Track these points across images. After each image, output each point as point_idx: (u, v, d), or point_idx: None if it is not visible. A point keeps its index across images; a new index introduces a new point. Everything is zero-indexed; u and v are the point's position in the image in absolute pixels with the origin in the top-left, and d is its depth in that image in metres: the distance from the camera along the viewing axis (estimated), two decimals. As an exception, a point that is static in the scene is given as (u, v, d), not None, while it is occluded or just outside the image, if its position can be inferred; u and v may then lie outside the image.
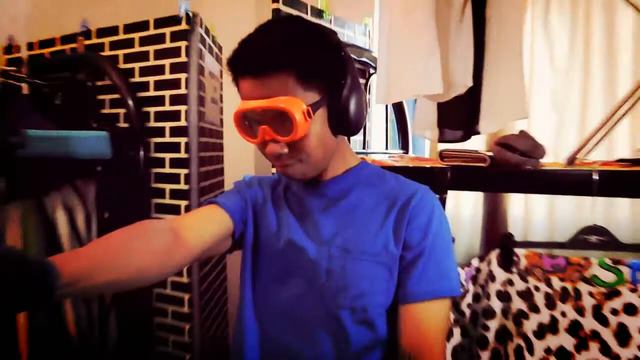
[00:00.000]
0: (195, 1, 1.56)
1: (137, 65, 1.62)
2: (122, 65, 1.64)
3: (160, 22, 1.57)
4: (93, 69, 1.61)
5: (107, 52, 1.66)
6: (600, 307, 1.13)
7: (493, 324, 1.20)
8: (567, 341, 1.14)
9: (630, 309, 1.11)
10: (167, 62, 1.57)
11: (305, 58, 0.77)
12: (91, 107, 1.57)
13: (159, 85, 1.59)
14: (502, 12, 1.34)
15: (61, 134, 1.31)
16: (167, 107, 1.58)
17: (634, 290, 1.12)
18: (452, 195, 1.61)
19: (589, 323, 1.13)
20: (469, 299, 1.24)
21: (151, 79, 1.60)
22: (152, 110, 1.61)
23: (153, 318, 1.67)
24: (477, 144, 1.60)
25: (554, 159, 1.44)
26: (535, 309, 1.17)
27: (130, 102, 1.56)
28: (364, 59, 1.68)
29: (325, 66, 0.80)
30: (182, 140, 1.56)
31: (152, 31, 1.59)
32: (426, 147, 1.88)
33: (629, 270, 1.14)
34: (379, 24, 1.43)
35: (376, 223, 0.87)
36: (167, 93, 1.58)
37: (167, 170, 1.60)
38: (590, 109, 1.54)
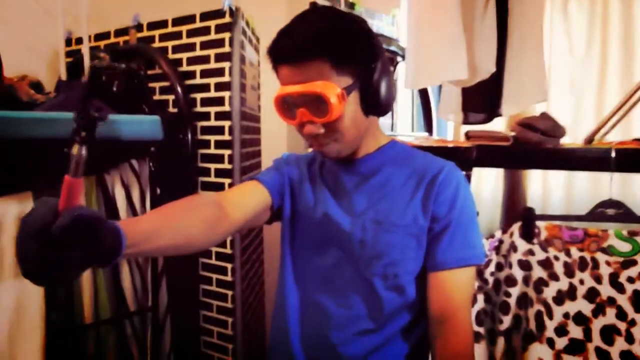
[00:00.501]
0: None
1: (184, 56, 1.65)
2: (171, 56, 1.67)
3: (206, 16, 1.60)
4: (145, 59, 1.65)
5: (157, 44, 1.70)
6: (617, 276, 1.13)
7: (514, 291, 1.22)
8: (585, 307, 1.15)
9: (645, 277, 1.11)
10: (212, 52, 1.59)
11: (338, 45, 0.79)
12: (144, 94, 1.61)
13: (205, 74, 1.62)
14: (524, 1, 1.33)
15: (120, 118, 1.35)
16: (212, 94, 1.61)
17: (649, 260, 1.12)
18: (474, 174, 1.62)
19: (605, 290, 1.14)
20: (492, 267, 1.26)
21: (197, 68, 1.63)
22: (198, 96, 1.64)
23: (199, 285, 1.72)
24: (497, 125, 1.60)
25: (571, 140, 1.44)
26: (554, 277, 1.18)
27: (179, 89, 1.59)
28: (392, 48, 1.68)
29: (357, 52, 0.82)
30: (226, 123, 1.59)
31: (198, 24, 1.62)
32: (449, 130, 1.89)
33: (645, 241, 1.14)
34: (407, 14, 1.44)
35: (406, 197, 0.89)
36: (212, 81, 1.61)
37: (212, 151, 1.63)
38: (608, 93, 1.53)
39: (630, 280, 1.12)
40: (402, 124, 1.89)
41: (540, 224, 1.22)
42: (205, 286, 1.71)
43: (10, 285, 1.11)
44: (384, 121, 1.55)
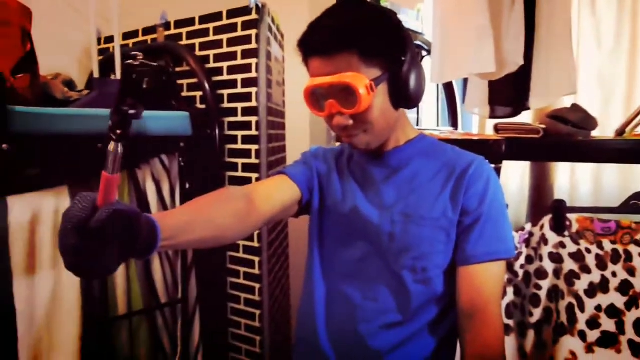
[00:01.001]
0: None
1: (211, 53, 1.67)
2: (198, 53, 1.69)
3: (233, 13, 1.61)
4: (173, 56, 1.66)
5: (184, 42, 1.71)
6: (651, 268, 1.12)
7: (545, 284, 1.21)
8: (618, 299, 1.13)
9: (680, 270, 1.09)
10: (239, 49, 1.60)
11: (367, 38, 0.79)
12: (172, 90, 1.62)
13: (232, 70, 1.63)
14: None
15: (151, 114, 1.37)
16: (239, 90, 1.62)
17: (684, 252, 1.10)
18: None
19: (639, 282, 1.12)
20: (522, 260, 1.25)
21: (225, 65, 1.64)
22: (225, 92, 1.65)
23: (227, 278, 1.74)
24: (523, 119, 1.58)
25: (600, 133, 1.42)
26: (586, 269, 1.16)
27: (207, 86, 1.61)
28: (417, 42, 1.67)
29: (385, 45, 0.82)
30: (253, 119, 1.60)
31: (225, 21, 1.63)
32: (474, 124, 1.87)
33: (679, 233, 1.12)
34: (433, 7, 1.43)
35: (435, 190, 0.88)
36: (239, 77, 1.62)
37: (239, 146, 1.65)
38: (637, 86, 1.50)
39: (665, 272, 1.10)
40: (427, 118, 1.88)
41: (572, 216, 1.20)
42: (233, 279, 1.73)
43: (48, 276, 1.14)
44: (409, 115, 1.56)
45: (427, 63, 1.63)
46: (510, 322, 1.24)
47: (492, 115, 1.49)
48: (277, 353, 1.81)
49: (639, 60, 1.51)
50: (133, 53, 1.42)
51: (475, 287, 0.84)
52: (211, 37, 1.66)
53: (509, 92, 1.43)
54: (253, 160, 1.62)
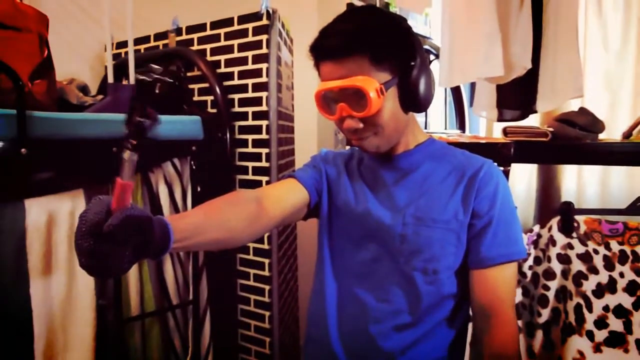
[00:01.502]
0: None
1: (223, 58, 1.69)
2: (209, 58, 1.71)
3: (244, 19, 1.63)
4: (185, 61, 1.69)
5: (196, 47, 1.74)
6: (659, 268, 1.13)
7: (553, 284, 1.22)
8: (625, 300, 1.14)
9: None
10: (249, 54, 1.63)
11: (377, 42, 0.81)
12: (184, 95, 1.65)
13: (243, 75, 1.66)
14: (559, -2, 1.33)
15: (164, 119, 1.38)
16: (250, 94, 1.64)
17: (691, 253, 1.11)
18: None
19: (647, 283, 1.13)
20: (530, 261, 1.26)
21: (235, 69, 1.67)
22: (236, 97, 1.68)
23: (237, 280, 1.76)
24: (531, 122, 1.60)
25: (606, 136, 1.43)
26: (594, 270, 1.17)
27: (218, 90, 1.63)
28: (425, 47, 1.69)
29: (395, 49, 0.83)
30: (264, 123, 1.62)
31: (236, 27, 1.65)
32: (481, 127, 1.89)
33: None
34: (442, 12, 1.45)
35: (446, 193, 0.89)
36: (249, 82, 1.64)
37: (250, 149, 1.67)
38: (644, 88, 1.51)
39: (672, 273, 1.11)
40: (435, 121, 1.90)
41: (579, 217, 1.21)
42: (243, 281, 1.75)
43: (63, 277, 1.16)
44: (417, 119, 1.58)
45: (435, 67, 1.65)
46: (519, 323, 1.25)
47: (500, 119, 1.50)
48: (286, 354, 1.83)
49: (646, 61, 1.52)
50: (149, 70, 1.44)
51: (491, 288, 0.85)
52: (222, 43, 1.68)
53: (517, 95, 1.45)
54: (263, 164, 1.64)
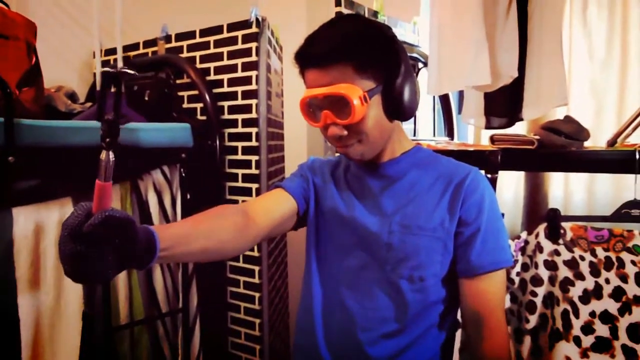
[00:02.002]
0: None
1: (212, 65, 1.70)
2: (199, 65, 1.72)
3: (233, 26, 1.64)
4: (174, 68, 1.69)
5: (185, 54, 1.74)
6: (643, 274, 1.14)
7: (540, 291, 1.23)
8: (611, 306, 1.15)
9: (671, 276, 1.12)
10: (239, 62, 1.64)
11: (361, 50, 0.82)
12: (173, 102, 1.65)
13: (232, 82, 1.67)
14: (544, 8, 1.35)
15: (152, 126, 1.39)
16: (240, 102, 1.65)
17: (674, 259, 1.13)
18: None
19: (631, 289, 1.14)
20: (517, 268, 1.27)
21: (225, 77, 1.67)
22: (226, 104, 1.68)
23: (227, 287, 1.75)
24: (517, 130, 1.62)
25: (592, 143, 1.45)
26: (580, 276, 1.19)
27: (207, 98, 1.64)
28: (413, 55, 1.71)
29: (379, 57, 0.84)
30: (253, 130, 1.63)
31: (225, 34, 1.66)
32: (469, 134, 1.91)
33: (670, 241, 1.15)
34: (430, 21, 1.46)
35: (432, 201, 0.90)
36: (239, 89, 1.65)
37: (239, 157, 1.67)
38: (628, 96, 1.54)
39: (656, 279, 1.13)
40: (423, 129, 1.92)
41: (566, 224, 1.23)
42: (233, 288, 1.75)
43: (51, 287, 1.15)
44: (406, 126, 1.60)
45: (423, 75, 1.67)
46: (507, 329, 1.26)
47: (488, 126, 1.52)
48: (276, 361, 1.83)
49: (630, 70, 1.54)
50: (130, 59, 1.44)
51: (482, 296, 0.86)
52: (212, 50, 1.69)
53: (504, 103, 1.47)
54: (253, 171, 1.65)
